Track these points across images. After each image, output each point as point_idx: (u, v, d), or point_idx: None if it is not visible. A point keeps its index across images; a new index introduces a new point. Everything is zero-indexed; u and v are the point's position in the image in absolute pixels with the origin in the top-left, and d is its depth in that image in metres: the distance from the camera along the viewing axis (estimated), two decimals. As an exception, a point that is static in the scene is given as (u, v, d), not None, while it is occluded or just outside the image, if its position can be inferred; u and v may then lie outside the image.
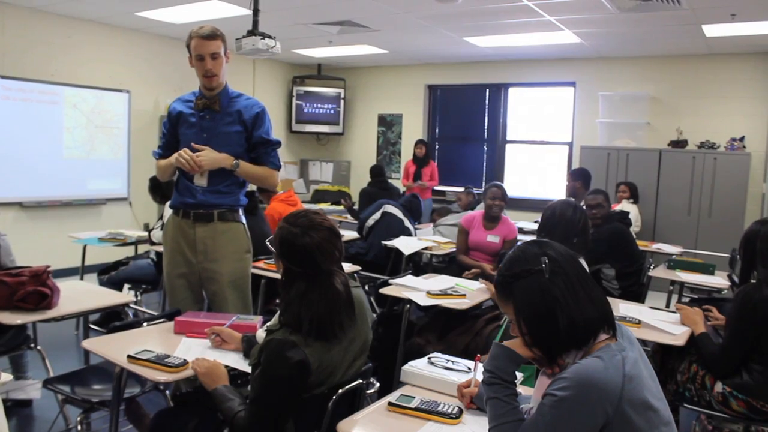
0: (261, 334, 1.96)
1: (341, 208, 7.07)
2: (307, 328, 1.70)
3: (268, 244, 1.89)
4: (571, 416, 1.27)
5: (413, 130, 8.89)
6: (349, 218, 6.55)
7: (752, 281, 2.45)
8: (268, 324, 1.88)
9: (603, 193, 4.21)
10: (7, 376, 1.88)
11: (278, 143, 2.88)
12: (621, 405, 1.26)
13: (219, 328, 2.17)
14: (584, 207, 4.48)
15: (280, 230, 1.81)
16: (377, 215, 5.08)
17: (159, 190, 4.61)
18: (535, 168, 8.19)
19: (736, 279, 2.86)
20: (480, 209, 4.76)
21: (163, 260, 2.94)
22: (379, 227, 5.02)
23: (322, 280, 1.76)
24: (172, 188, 4.67)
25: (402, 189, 7.84)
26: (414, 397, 1.76)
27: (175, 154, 2.69)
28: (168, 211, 4.52)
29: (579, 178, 5.23)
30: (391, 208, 5.13)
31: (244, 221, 2.93)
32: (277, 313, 1.86)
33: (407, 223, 5.14)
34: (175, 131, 2.85)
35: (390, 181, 7.56)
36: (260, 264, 3.58)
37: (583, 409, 1.26)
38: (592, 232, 4.06)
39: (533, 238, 2.88)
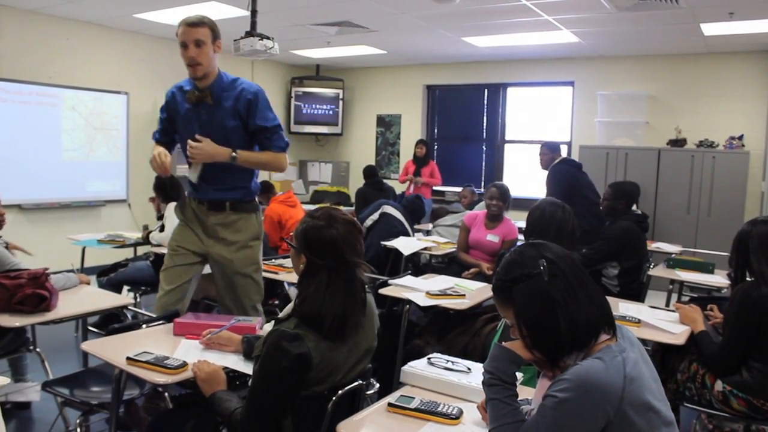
0: (268, 328, 1.94)
1: (342, 208, 7.04)
2: (329, 325, 1.68)
3: (287, 241, 1.88)
4: (571, 417, 1.27)
5: (412, 130, 8.89)
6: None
7: (749, 279, 2.45)
8: (281, 315, 1.86)
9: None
10: (5, 379, 1.88)
11: (278, 126, 2.77)
12: (622, 406, 1.25)
13: (217, 334, 2.15)
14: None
15: (303, 224, 1.80)
16: (375, 216, 5.08)
17: (163, 189, 4.59)
18: (534, 168, 8.17)
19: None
20: (482, 208, 4.78)
21: (172, 234, 2.93)
22: (378, 228, 5.02)
23: (346, 272, 1.75)
24: (176, 189, 4.69)
25: (400, 190, 7.83)
26: (414, 398, 1.76)
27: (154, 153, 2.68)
28: (170, 212, 4.52)
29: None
30: (390, 209, 5.13)
31: (258, 209, 2.91)
32: (291, 303, 1.84)
33: (406, 225, 5.13)
34: (171, 119, 2.83)
35: (388, 181, 7.54)
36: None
37: (583, 411, 1.26)
38: (607, 225, 4.09)
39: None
